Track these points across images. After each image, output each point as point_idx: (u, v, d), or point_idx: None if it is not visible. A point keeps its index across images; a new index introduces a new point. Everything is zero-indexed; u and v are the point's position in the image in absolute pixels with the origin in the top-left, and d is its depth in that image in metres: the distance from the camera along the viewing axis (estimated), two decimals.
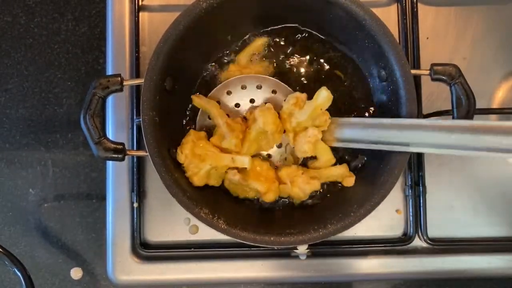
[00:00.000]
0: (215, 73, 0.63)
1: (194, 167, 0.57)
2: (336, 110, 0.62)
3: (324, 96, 0.57)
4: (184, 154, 0.57)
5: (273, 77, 0.63)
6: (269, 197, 0.59)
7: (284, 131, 0.60)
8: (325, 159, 0.60)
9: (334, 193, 0.62)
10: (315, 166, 0.61)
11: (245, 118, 0.61)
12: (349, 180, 0.60)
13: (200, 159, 0.57)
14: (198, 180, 0.58)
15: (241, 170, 0.59)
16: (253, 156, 0.60)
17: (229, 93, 0.62)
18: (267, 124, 0.57)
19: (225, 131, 0.58)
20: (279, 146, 0.62)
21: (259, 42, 0.64)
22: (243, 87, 0.62)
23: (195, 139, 0.58)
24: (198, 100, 0.60)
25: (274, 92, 0.62)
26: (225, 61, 0.64)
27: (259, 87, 0.62)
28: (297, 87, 0.63)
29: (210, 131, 0.61)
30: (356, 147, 0.57)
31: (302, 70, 0.64)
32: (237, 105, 0.62)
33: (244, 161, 0.57)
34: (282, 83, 0.62)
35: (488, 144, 0.48)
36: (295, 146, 0.59)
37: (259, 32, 0.64)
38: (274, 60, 0.64)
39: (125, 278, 0.65)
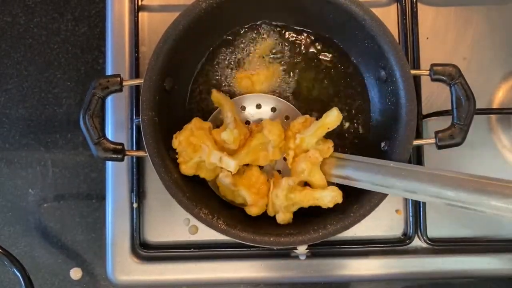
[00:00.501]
0: (215, 73, 0.64)
1: (186, 155, 0.57)
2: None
3: (334, 115, 0.55)
4: (178, 140, 0.56)
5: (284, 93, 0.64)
6: (253, 211, 0.58)
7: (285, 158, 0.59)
8: (318, 186, 0.58)
9: None
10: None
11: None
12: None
13: (192, 149, 0.56)
14: (186, 169, 0.57)
15: (236, 174, 0.58)
16: (255, 166, 0.59)
17: (243, 108, 0.62)
18: (272, 133, 0.56)
19: (231, 124, 0.57)
20: (279, 171, 0.61)
21: (265, 45, 0.63)
22: (258, 106, 0.62)
23: (194, 128, 0.57)
24: (216, 94, 0.60)
25: (287, 118, 0.62)
26: (226, 61, 0.64)
27: (273, 109, 0.62)
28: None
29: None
30: (352, 185, 0.56)
31: (302, 72, 0.64)
32: (247, 122, 0.62)
33: (230, 164, 0.56)
34: (295, 109, 0.62)
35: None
36: (292, 168, 0.58)
37: (259, 32, 0.64)
38: (281, 62, 0.64)
39: (124, 278, 0.65)
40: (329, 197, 0.56)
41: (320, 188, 0.57)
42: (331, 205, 0.56)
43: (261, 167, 0.60)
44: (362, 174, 0.55)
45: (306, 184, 0.58)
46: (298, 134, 0.57)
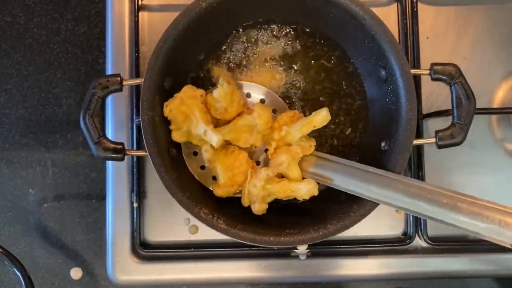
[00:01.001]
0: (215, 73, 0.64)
1: (177, 123, 0.57)
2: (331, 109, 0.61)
3: (323, 115, 0.56)
4: (169, 109, 0.56)
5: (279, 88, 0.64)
6: (219, 192, 0.58)
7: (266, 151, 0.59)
8: (294, 180, 0.58)
9: (334, 193, 0.62)
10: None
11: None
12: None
13: (183, 118, 0.56)
14: (177, 136, 0.57)
15: (220, 152, 0.58)
16: (244, 152, 0.59)
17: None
18: (260, 118, 0.56)
19: (225, 84, 0.57)
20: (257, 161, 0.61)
21: (265, 45, 0.64)
22: (248, 95, 0.62)
23: (184, 97, 0.56)
24: (217, 69, 0.60)
25: (274, 111, 0.62)
26: (226, 62, 0.64)
27: (262, 100, 0.62)
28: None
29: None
30: (328, 185, 0.57)
31: (301, 71, 0.64)
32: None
33: (213, 138, 0.55)
34: (284, 104, 0.63)
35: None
36: (271, 159, 0.58)
37: (259, 31, 0.64)
38: (281, 62, 0.64)
39: (125, 278, 0.65)
40: (305, 189, 0.57)
41: (294, 176, 0.58)
42: (307, 197, 0.57)
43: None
44: (338, 176, 0.56)
45: (282, 177, 0.59)
46: (284, 126, 0.57)
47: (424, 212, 0.51)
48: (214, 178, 0.60)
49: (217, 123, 0.59)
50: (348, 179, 0.55)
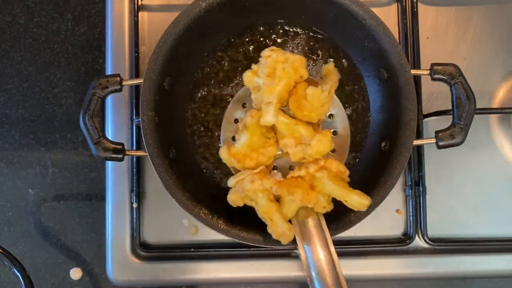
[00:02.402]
0: (215, 72, 0.63)
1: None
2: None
3: (362, 204, 0.53)
4: None
5: None
6: (224, 152, 0.55)
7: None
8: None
9: None
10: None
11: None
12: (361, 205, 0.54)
13: None
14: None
15: (259, 125, 0.55)
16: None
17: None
18: (321, 144, 0.53)
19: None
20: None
21: (264, 45, 0.63)
22: None
23: None
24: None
25: None
26: (226, 62, 0.63)
27: None
28: None
29: None
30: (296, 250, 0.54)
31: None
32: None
33: (270, 117, 0.52)
34: None
35: None
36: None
37: (259, 31, 0.64)
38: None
39: (124, 278, 0.65)
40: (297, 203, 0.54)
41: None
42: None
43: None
44: (311, 249, 0.52)
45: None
46: (323, 174, 0.53)
47: None
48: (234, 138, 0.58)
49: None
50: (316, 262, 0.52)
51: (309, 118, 0.55)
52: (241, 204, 0.54)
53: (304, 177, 0.54)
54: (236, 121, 0.61)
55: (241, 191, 0.54)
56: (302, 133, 0.54)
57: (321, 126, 0.58)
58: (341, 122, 0.61)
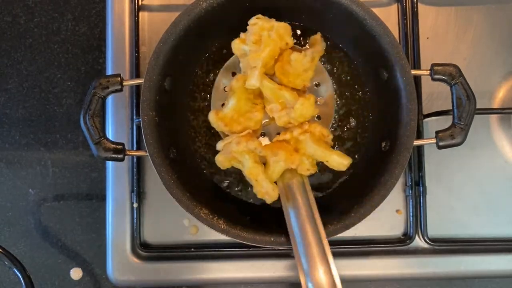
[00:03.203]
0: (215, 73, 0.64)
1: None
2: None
3: (342, 163, 0.56)
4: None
5: None
6: (213, 116, 0.57)
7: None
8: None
9: (333, 192, 0.62)
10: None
11: None
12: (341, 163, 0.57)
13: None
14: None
15: (246, 89, 0.57)
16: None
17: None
18: (303, 107, 0.55)
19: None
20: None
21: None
22: None
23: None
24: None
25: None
26: (226, 62, 0.64)
27: None
28: None
29: None
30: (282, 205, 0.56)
31: None
32: None
33: (254, 81, 0.54)
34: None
35: None
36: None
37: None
38: None
39: (125, 278, 0.65)
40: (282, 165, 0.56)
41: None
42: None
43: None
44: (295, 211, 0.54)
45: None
46: (306, 138, 0.56)
47: None
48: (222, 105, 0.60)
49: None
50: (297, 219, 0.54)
51: (294, 85, 0.58)
52: (228, 166, 0.57)
53: (289, 141, 0.57)
54: (226, 89, 0.62)
55: (229, 152, 0.56)
56: (286, 98, 0.56)
57: (307, 93, 0.60)
58: (327, 91, 0.62)
